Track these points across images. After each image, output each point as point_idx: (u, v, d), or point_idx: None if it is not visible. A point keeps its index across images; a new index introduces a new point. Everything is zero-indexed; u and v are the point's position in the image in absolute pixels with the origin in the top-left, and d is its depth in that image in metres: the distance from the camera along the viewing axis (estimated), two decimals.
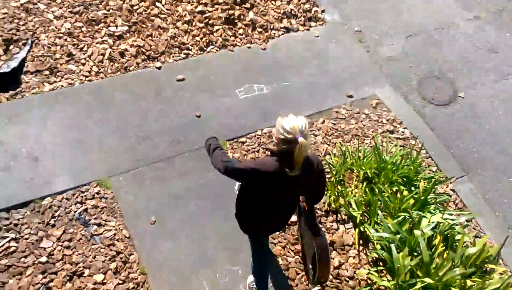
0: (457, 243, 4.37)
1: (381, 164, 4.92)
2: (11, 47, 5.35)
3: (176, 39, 5.88)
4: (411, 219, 4.42)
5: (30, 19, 5.60)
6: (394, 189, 4.80)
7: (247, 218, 3.53)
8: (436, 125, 5.92)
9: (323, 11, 6.78)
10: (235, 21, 6.22)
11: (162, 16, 6.01)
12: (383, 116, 5.79)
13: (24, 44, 5.39)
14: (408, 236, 4.23)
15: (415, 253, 4.19)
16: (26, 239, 4.20)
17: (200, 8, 6.12)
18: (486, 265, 4.32)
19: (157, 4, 6.07)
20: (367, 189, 4.80)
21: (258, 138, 5.25)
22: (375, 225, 4.56)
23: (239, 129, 5.30)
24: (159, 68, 5.65)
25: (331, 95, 5.86)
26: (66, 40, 5.54)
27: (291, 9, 6.55)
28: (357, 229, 4.65)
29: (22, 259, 4.09)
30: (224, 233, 4.50)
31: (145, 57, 5.68)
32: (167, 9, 6.06)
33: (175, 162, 4.93)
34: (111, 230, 4.39)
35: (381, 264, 4.50)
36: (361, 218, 4.65)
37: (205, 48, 5.95)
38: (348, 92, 5.92)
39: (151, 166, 4.86)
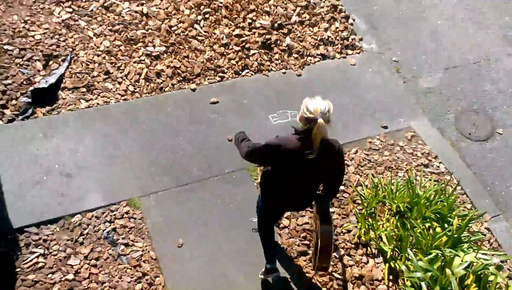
0: (489, 284, 4.19)
1: (414, 198, 4.80)
2: (51, 62, 5.45)
3: (212, 61, 5.91)
4: (443, 257, 4.29)
5: (71, 36, 5.71)
6: (427, 225, 4.66)
7: (267, 191, 3.72)
8: (473, 161, 5.76)
9: (360, 39, 6.72)
10: (272, 46, 6.22)
11: (199, 38, 6.05)
12: (418, 149, 5.66)
13: (63, 60, 5.49)
14: (440, 275, 4.09)
15: None
16: (55, 255, 4.22)
17: (237, 31, 6.15)
18: None
19: (195, 26, 6.12)
20: (398, 224, 4.69)
21: None
22: (406, 261, 4.45)
23: None
24: (193, 90, 5.67)
25: (365, 125, 5.78)
26: (104, 58, 5.63)
27: (328, 36, 6.52)
28: (387, 264, 4.54)
29: (49, 275, 4.10)
30: (253, 262, 4.43)
31: (181, 78, 5.72)
32: (204, 31, 6.10)
33: (206, 185, 4.91)
34: (138, 251, 4.38)
35: None
36: (391, 253, 4.54)
37: (240, 72, 5.95)
38: (383, 122, 5.82)
39: (181, 188, 4.85)
